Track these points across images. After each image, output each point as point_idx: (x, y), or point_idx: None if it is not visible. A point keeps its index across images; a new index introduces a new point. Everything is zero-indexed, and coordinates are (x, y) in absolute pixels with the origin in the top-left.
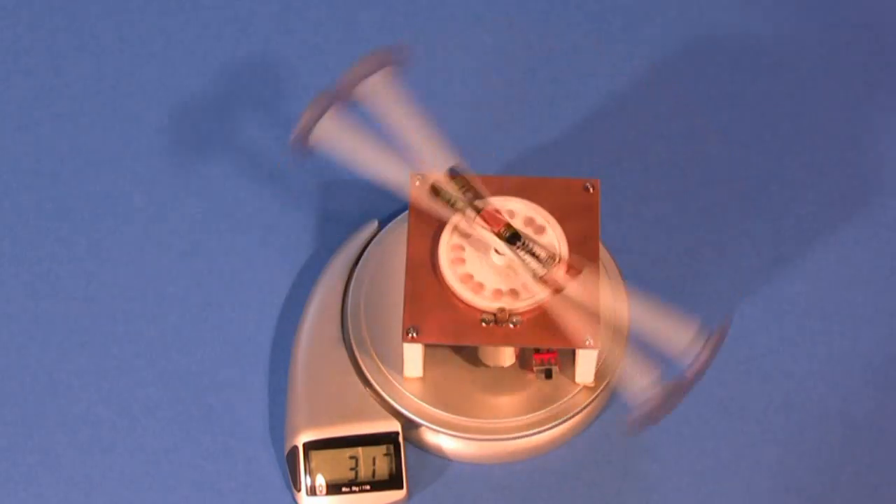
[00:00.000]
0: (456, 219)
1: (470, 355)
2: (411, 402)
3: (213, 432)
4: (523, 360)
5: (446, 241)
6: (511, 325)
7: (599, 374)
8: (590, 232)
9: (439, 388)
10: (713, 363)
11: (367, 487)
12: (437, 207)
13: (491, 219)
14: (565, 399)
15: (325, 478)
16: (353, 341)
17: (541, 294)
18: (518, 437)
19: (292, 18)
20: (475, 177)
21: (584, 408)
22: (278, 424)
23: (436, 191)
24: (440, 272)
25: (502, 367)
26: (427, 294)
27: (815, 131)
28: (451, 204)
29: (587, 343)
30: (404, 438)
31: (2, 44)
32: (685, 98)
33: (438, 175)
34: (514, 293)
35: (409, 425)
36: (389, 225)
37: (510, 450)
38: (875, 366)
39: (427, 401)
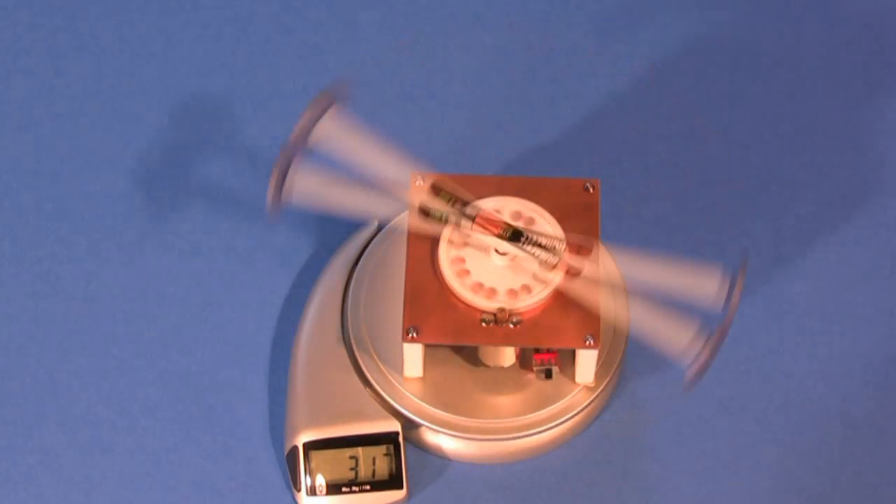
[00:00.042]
0: (447, 233)
1: (470, 355)
2: (411, 402)
3: (213, 432)
4: (523, 360)
5: (446, 243)
6: (511, 325)
7: (599, 374)
8: (590, 232)
9: (439, 388)
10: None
11: (367, 487)
12: (431, 227)
13: (487, 223)
14: (565, 399)
15: (325, 478)
16: (353, 341)
17: (542, 293)
18: (518, 437)
19: (292, 18)
20: (457, 185)
21: (584, 408)
22: (278, 424)
23: (425, 211)
24: (440, 272)
25: (502, 367)
26: (427, 294)
27: (815, 131)
28: (443, 220)
29: (587, 343)
30: (404, 438)
31: (2, 44)
32: (685, 98)
33: (424, 196)
34: (514, 293)
35: (409, 425)
36: (389, 225)
37: (510, 450)
38: (875, 366)
39: (427, 401)
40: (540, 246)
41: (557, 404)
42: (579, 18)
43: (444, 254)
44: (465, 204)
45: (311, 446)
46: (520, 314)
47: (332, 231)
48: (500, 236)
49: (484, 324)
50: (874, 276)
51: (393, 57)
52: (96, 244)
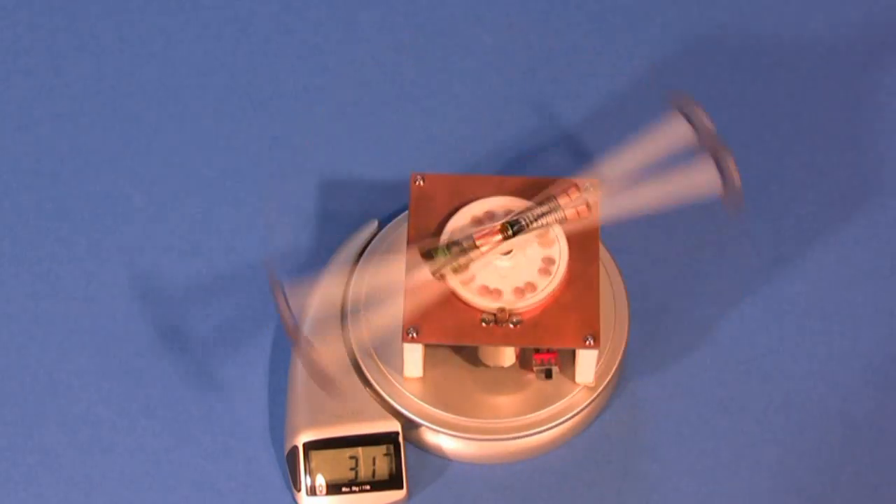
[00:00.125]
0: (453, 283)
1: (470, 355)
2: (411, 402)
3: (213, 432)
4: (523, 360)
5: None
6: (511, 325)
7: (599, 374)
8: (590, 232)
9: (439, 388)
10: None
11: (367, 487)
12: (442, 264)
13: (488, 236)
14: (565, 399)
15: (325, 478)
16: (353, 341)
17: (542, 293)
18: (518, 437)
19: (292, 18)
20: (434, 238)
21: (584, 408)
22: (278, 424)
23: (429, 254)
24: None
25: (502, 367)
26: (427, 294)
27: (815, 131)
28: (455, 270)
29: (587, 343)
30: (404, 438)
31: (2, 44)
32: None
33: (424, 272)
34: (513, 293)
35: (409, 425)
36: (389, 225)
37: (510, 450)
38: (875, 366)
39: (427, 401)
40: (542, 216)
41: (557, 404)
42: (579, 18)
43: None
44: (457, 242)
45: (311, 446)
46: (520, 314)
47: (332, 231)
48: (506, 237)
49: (484, 324)
50: (874, 276)
51: (393, 57)
52: (96, 244)
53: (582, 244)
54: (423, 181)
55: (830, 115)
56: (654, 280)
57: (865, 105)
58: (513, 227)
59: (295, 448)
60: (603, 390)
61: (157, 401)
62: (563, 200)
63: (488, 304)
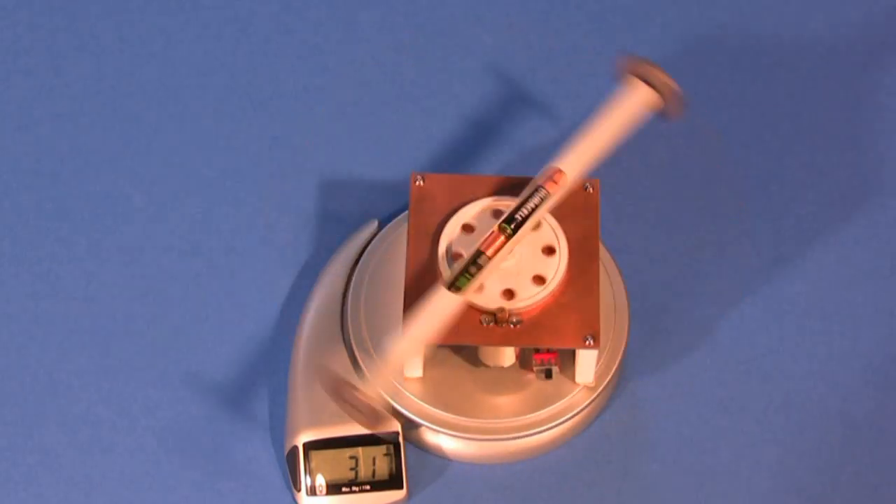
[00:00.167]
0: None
1: (470, 355)
2: (411, 402)
3: (214, 432)
4: (523, 360)
5: (446, 241)
6: (511, 325)
7: (599, 374)
8: (590, 232)
9: (439, 388)
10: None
11: (367, 487)
12: (472, 286)
13: (491, 241)
14: (565, 399)
15: (325, 478)
16: (353, 341)
17: (542, 293)
18: (518, 437)
19: (292, 18)
20: (443, 269)
21: (584, 408)
22: (278, 424)
23: (458, 289)
24: (440, 272)
25: (502, 367)
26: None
27: (815, 131)
28: (468, 274)
29: (587, 343)
30: (404, 438)
31: (2, 44)
32: (685, 98)
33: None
34: (514, 293)
35: (409, 425)
36: (389, 225)
37: (510, 450)
38: (875, 366)
39: (427, 401)
40: (535, 206)
41: (557, 404)
42: (579, 18)
43: (444, 253)
44: (472, 262)
45: (311, 446)
46: (520, 314)
47: (332, 231)
48: (508, 237)
49: (484, 324)
50: (874, 276)
51: (393, 57)
52: (96, 244)
53: (582, 244)
54: (423, 181)
55: (830, 115)
56: (654, 280)
57: (865, 105)
58: (510, 225)
59: (295, 448)
60: (603, 390)
61: (157, 401)
62: (550, 187)
63: (488, 304)
